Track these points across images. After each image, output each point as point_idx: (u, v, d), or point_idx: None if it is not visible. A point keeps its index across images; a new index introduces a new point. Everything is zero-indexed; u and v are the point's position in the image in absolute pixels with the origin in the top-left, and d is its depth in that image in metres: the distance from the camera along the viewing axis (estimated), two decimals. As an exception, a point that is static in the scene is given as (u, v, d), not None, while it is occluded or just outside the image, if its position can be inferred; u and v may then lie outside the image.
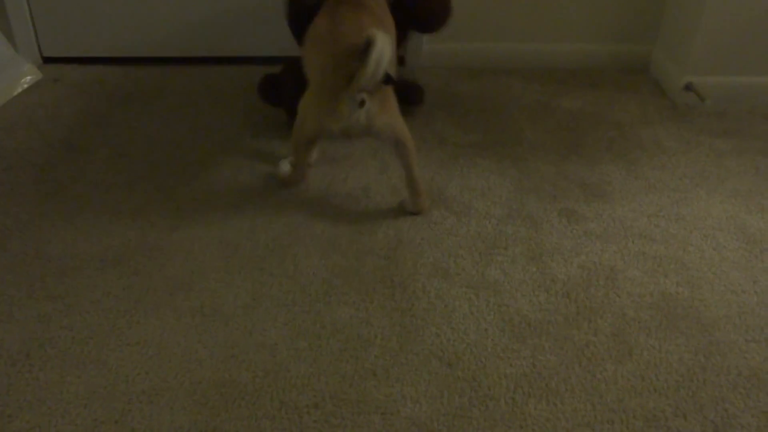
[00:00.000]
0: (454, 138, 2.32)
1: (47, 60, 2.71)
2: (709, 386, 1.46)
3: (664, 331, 1.60)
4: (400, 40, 2.08)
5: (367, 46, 1.56)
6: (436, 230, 1.90)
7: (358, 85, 1.62)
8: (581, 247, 1.86)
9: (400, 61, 2.64)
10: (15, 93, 2.49)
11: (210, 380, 1.45)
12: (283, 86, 2.20)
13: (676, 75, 2.59)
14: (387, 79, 1.65)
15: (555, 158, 2.24)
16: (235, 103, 2.47)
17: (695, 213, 2.00)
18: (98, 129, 2.31)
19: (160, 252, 1.78)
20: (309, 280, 1.71)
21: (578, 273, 1.76)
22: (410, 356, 1.51)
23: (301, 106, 1.84)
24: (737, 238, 1.90)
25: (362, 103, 1.66)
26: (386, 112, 1.75)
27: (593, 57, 2.81)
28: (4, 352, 1.48)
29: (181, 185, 2.04)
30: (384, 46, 1.55)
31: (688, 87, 2.54)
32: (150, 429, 1.34)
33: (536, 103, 2.55)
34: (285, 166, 2.04)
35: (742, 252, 1.85)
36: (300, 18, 2.01)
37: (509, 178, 2.13)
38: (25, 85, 2.54)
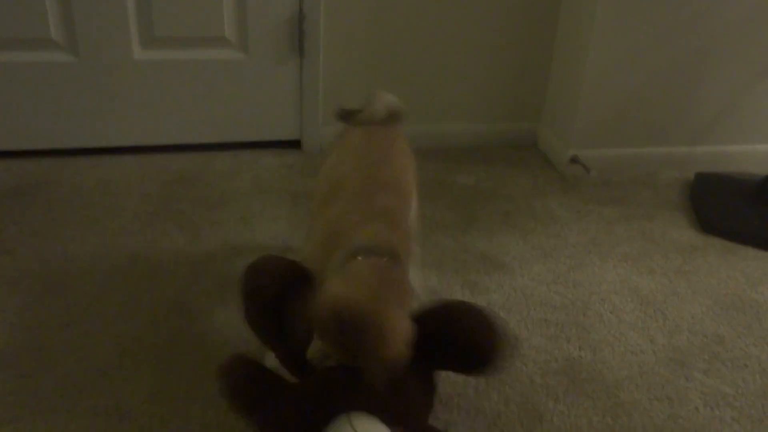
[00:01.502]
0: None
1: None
2: (618, 447, 1.48)
3: (571, 395, 1.62)
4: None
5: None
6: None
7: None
8: (486, 318, 1.88)
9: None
10: None
11: None
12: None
13: (562, 149, 2.73)
14: None
15: (454, 232, 2.29)
16: (130, 194, 2.41)
17: (590, 278, 2.07)
18: (-19, 225, 2.20)
19: (50, 351, 1.68)
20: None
21: (485, 344, 1.78)
22: None
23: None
24: (632, 300, 1.98)
25: None
26: None
27: (484, 135, 2.93)
28: None
29: (73, 281, 1.94)
30: None
31: (574, 159, 2.68)
32: None
33: (432, 181, 2.62)
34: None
35: (637, 313, 1.93)
36: (266, 319, 1.24)
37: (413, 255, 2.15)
38: None
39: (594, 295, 2.00)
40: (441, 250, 2.18)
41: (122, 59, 2.55)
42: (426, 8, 2.63)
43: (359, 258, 1.16)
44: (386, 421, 1.15)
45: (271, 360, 1.45)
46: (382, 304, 1.08)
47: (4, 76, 2.49)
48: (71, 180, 2.48)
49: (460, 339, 1.25)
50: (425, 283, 1.98)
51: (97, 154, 2.67)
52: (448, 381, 1.64)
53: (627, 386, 1.66)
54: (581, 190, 2.62)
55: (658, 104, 2.66)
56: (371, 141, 1.63)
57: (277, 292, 1.22)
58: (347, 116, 1.74)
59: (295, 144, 2.82)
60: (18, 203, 2.31)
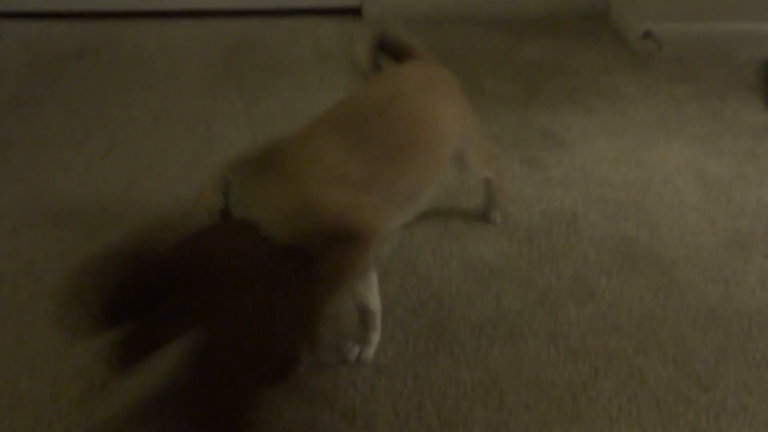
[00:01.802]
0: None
1: (-11, 16, 2.61)
2: (669, 324, 1.48)
3: (624, 272, 1.61)
4: None
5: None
6: (398, 180, 1.88)
7: None
8: (543, 194, 1.86)
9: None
10: (-43, 50, 2.39)
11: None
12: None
13: (635, 22, 2.59)
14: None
15: (516, 107, 2.23)
16: (190, 58, 2.40)
17: (654, 158, 2.01)
18: (46, 85, 2.23)
19: (115, 211, 1.74)
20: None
21: (540, 219, 1.77)
22: (375, 304, 1.51)
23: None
24: (695, 182, 1.92)
25: None
26: None
27: (553, 5, 2.79)
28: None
29: (130, 143, 1.98)
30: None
31: (647, 34, 2.54)
32: None
33: (496, 53, 2.54)
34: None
35: (700, 195, 1.87)
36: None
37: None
38: (-32, 42, 2.44)
39: (657, 175, 1.95)
40: (501, 124, 2.14)
41: None
42: None
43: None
44: None
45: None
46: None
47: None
48: (134, 43, 2.48)
49: None
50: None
51: (159, 17, 2.65)
52: (501, 252, 1.65)
53: (683, 266, 1.64)
54: (652, 67, 2.50)
55: (743, -25, 2.47)
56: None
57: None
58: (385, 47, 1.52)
59: (355, 12, 2.75)
60: (82, 64, 2.34)
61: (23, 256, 1.59)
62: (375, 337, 1.39)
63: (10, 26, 2.56)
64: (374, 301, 1.36)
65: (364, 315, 1.37)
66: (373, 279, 1.33)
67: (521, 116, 2.18)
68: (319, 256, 1.10)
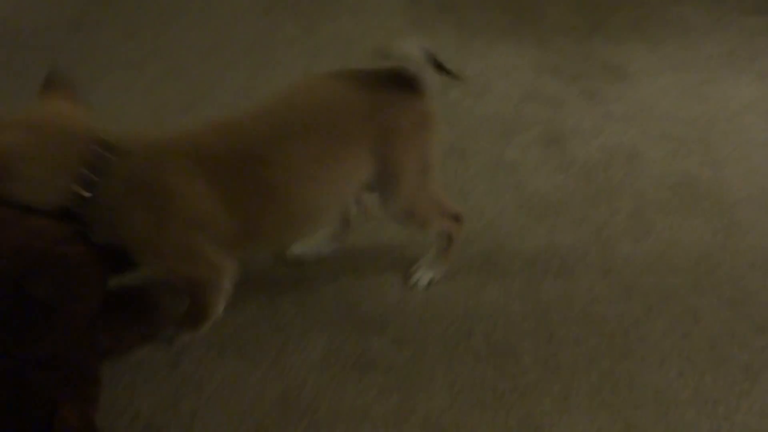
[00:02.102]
0: (472, 17, 2.24)
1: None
2: (727, 265, 1.45)
3: (684, 211, 1.58)
4: None
5: None
6: (454, 111, 1.86)
7: None
8: (602, 128, 1.81)
9: None
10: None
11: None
12: None
13: (709, -50, 2.45)
14: None
15: (578, 37, 2.16)
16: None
17: (721, 94, 1.94)
18: (106, 8, 2.24)
19: (174, 131, 1.76)
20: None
21: (598, 154, 1.73)
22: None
23: None
24: (764, 119, 1.85)
25: None
26: None
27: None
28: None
29: (190, 67, 1.99)
30: None
31: (721, -37, 2.41)
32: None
33: (560, -20, 2.44)
34: None
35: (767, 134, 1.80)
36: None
37: (530, 58, 2.06)
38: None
39: (723, 111, 1.87)
40: (562, 55, 2.08)
41: None
42: None
43: None
44: None
45: None
46: None
47: None
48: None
49: None
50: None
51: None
52: (556, 186, 1.63)
53: (745, 207, 1.59)
54: (724, -2, 2.38)
55: None
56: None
57: None
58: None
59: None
60: (140, -14, 2.34)
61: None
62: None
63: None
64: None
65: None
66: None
67: (584, 47, 2.11)
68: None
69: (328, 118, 1.13)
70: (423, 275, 1.40)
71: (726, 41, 2.15)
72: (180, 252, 1.09)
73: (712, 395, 1.21)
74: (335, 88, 1.16)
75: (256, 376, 1.23)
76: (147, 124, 1.77)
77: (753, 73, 2.02)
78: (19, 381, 1.00)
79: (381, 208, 1.25)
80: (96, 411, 1.07)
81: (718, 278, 1.42)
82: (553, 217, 1.56)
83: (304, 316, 1.33)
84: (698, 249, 1.49)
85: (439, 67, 1.19)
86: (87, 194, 1.00)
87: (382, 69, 1.17)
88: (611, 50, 2.10)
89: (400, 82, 1.16)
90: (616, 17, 2.26)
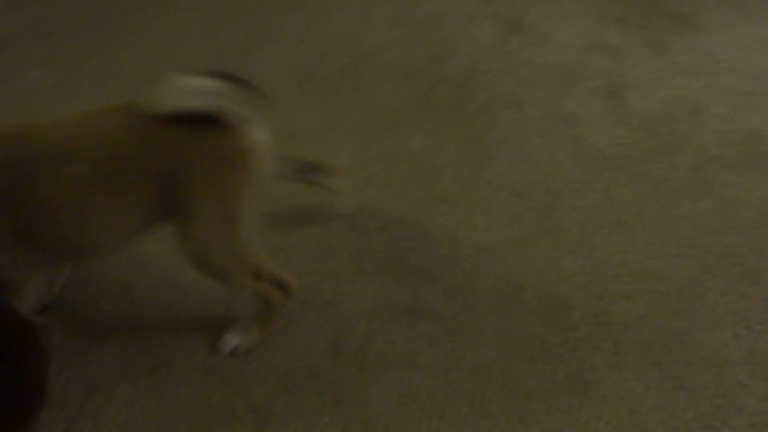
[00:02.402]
0: (537, -39, 2.17)
1: None
2: (790, 226, 1.41)
3: (748, 169, 1.53)
4: None
5: None
6: (512, 60, 1.82)
7: None
8: (666, 80, 1.76)
9: None
10: None
11: (285, 198, 1.48)
12: None
13: None
14: None
15: (645, -15, 2.08)
16: None
17: (796, 47, 1.85)
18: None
19: (238, 74, 1.77)
20: (381, 107, 1.68)
21: (660, 107, 1.68)
22: (481, 185, 1.50)
23: None
24: (840, 75, 1.76)
25: None
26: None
27: None
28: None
29: (247, 12, 1.99)
30: None
31: None
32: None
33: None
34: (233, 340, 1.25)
35: (843, 89, 1.72)
36: None
37: (593, 5, 2.00)
38: None
39: (796, 65, 1.80)
40: (626, 3, 2.01)
41: None
42: None
43: None
44: None
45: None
46: None
47: None
48: None
49: None
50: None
51: None
52: (615, 140, 1.59)
53: (813, 166, 1.54)
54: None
55: None
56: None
57: None
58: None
59: None
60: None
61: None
62: None
63: None
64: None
65: None
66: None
67: (650, -5, 2.04)
68: None
69: (110, 150, 1.06)
70: (229, 339, 1.22)
71: (804, -10, 2.05)
72: None
73: (767, 358, 1.19)
74: (128, 119, 1.08)
75: (309, 320, 1.26)
76: (207, 67, 1.78)
77: (831, 25, 1.92)
78: None
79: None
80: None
81: (779, 239, 1.39)
82: (611, 171, 1.53)
83: (356, 264, 1.35)
84: (760, 208, 1.45)
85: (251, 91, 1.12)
86: None
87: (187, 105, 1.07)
88: (680, -2, 2.02)
89: (204, 117, 1.07)
90: (687, -37, 2.17)
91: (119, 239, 1.14)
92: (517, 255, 1.37)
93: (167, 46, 1.86)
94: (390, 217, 1.44)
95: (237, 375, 1.18)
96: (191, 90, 1.07)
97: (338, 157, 1.56)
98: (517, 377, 1.18)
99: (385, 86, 1.74)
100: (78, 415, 1.12)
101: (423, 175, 1.52)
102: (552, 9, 1.98)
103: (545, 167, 1.54)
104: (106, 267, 1.34)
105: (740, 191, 1.48)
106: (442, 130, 1.63)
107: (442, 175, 1.52)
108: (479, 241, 1.39)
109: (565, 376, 1.18)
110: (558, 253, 1.37)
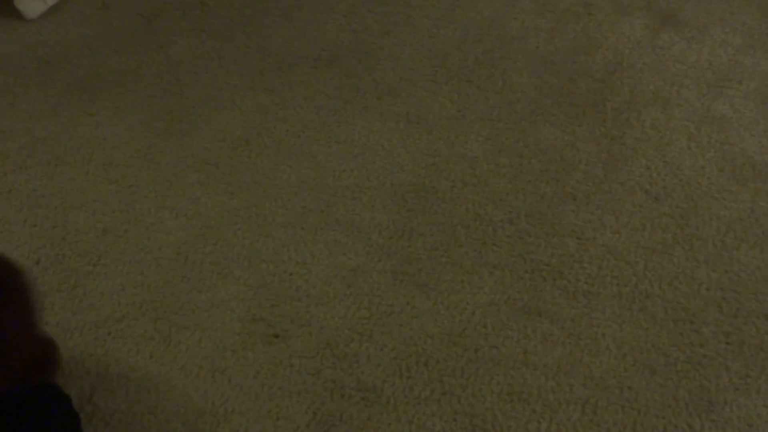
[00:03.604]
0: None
1: None
2: None
3: None
4: None
5: None
6: (662, 56, 1.73)
7: None
8: (833, 87, 1.62)
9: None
10: None
11: (409, 184, 1.48)
12: None
13: None
14: None
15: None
16: None
17: None
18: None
19: (369, 55, 1.79)
20: (516, 97, 1.65)
21: (824, 116, 1.55)
22: (615, 185, 1.44)
23: None
24: None
25: None
26: None
27: None
28: (228, 136, 1.60)
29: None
30: None
31: None
32: (351, 221, 1.41)
33: None
34: None
35: None
36: None
37: (757, 2, 1.86)
38: None
39: None
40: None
41: None
42: None
43: None
44: None
45: None
46: None
47: None
48: None
49: None
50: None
51: None
52: (767, 152, 1.49)
53: None
54: None
55: None
56: None
57: None
58: None
59: None
60: None
61: (284, 94, 1.71)
62: None
63: None
64: None
65: None
66: None
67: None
68: None
69: None
70: None
71: None
72: None
73: None
74: None
75: (426, 305, 1.26)
76: (347, 46, 1.81)
77: None
78: None
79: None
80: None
81: None
82: (760, 181, 1.43)
83: (478, 254, 1.34)
84: None
85: None
86: None
87: None
88: None
89: None
90: None
91: None
92: (647, 261, 1.31)
93: (310, 22, 1.90)
94: (517, 210, 1.41)
95: (349, 353, 1.20)
96: None
97: (466, 146, 1.55)
98: (635, 389, 1.13)
99: (522, 76, 1.70)
100: (199, 372, 1.18)
101: (554, 170, 1.48)
102: (710, 3, 1.86)
103: (686, 171, 1.46)
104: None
105: None
106: (578, 125, 1.58)
107: (574, 172, 1.47)
108: (607, 243, 1.34)
109: (688, 394, 1.12)
110: (692, 263, 1.30)
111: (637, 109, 1.60)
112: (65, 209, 1.45)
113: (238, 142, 1.58)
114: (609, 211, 1.39)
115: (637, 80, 1.67)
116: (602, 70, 1.70)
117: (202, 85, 1.72)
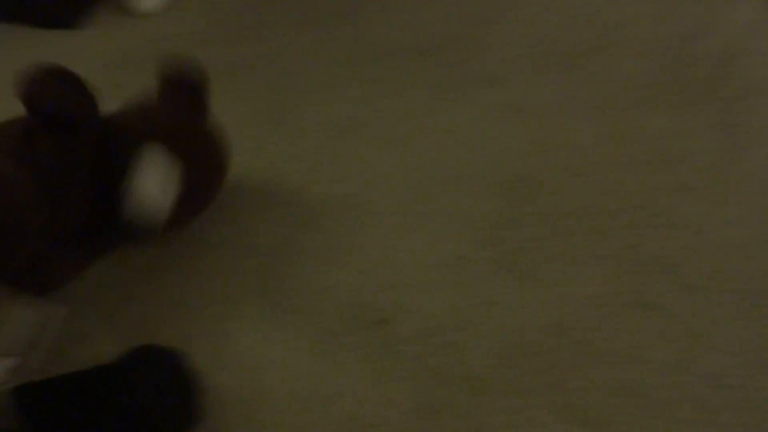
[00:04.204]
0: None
1: None
2: None
3: None
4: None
5: None
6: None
7: None
8: None
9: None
10: None
11: (515, 174, 1.46)
12: None
13: None
14: None
15: None
16: None
17: None
18: None
19: (472, 44, 1.77)
20: (625, 85, 1.60)
21: None
22: (733, 175, 1.38)
23: None
24: None
25: None
26: None
27: None
28: (332, 125, 1.62)
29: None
30: None
31: None
32: (455, 211, 1.41)
33: None
34: None
35: None
36: None
37: None
38: None
39: None
40: None
41: None
42: None
43: None
44: None
45: None
46: None
47: None
48: None
49: None
50: None
51: None
52: None
53: None
54: None
55: None
56: None
57: None
58: None
59: None
60: None
61: (386, 84, 1.71)
62: None
63: None
64: None
65: None
66: None
67: None
68: None
69: None
70: None
71: None
72: None
73: None
74: None
75: (533, 295, 1.24)
76: (450, 35, 1.80)
77: None
78: None
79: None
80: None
81: None
82: None
83: (587, 246, 1.31)
84: None
85: None
86: None
87: None
88: None
89: None
90: None
91: None
92: (767, 254, 1.25)
93: (413, 12, 1.90)
94: (628, 202, 1.37)
95: (456, 342, 1.20)
96: None
97: (574, 135, 1.51)
98: (757, 390, 1.08)
99: (629, 63, 1.65)
100: (307, 354, 1.20)
101: (666, 160, 1.43)
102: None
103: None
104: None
105: None
106: (690, 114, 1.51)
107: (688, 162, 1.42)
108: (726, 237, 1.28)
109: (814, 397, 1.06)
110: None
111: (755, 97, 1.52)
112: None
113: (342, 132, 1.60)
114: (728, 202, 1.33)
115: (754, 67, 1.59)
116: (715, 56, 1.63)
117: (307, 75, 1.75)
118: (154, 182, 1.19)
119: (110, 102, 1.27)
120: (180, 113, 1.27)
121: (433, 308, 1.25)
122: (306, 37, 1.86)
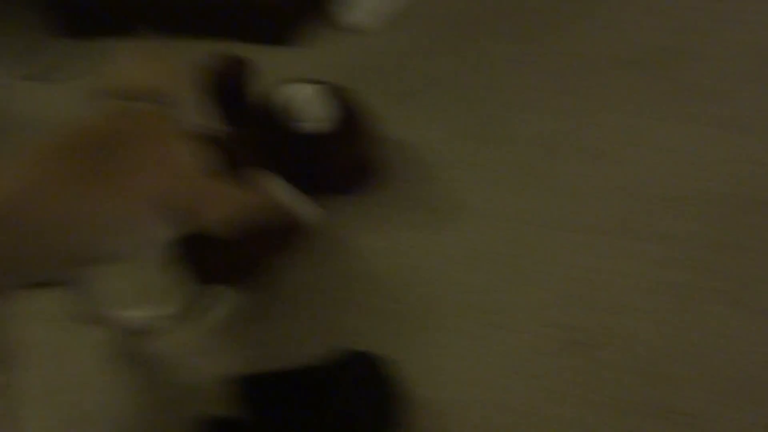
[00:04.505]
0: None
1: None
2: None
3: None
4: None
5: None
6: None
7: None
8: None
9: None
10: None
11: (732, 195, 1.37)
12: None
13: None
14: None
15: None
16: None
17: None
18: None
19: (687, 56, 1.68)
20: None
21: None
22: None
23: None
24: None
25: None
26: None
27: None
28: (537, 141, 1.59)
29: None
30: None
31: None
32: (667, 232, 1.34)
33: None
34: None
35: None
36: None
37: None
38: None
39: None
40: None
41: None
42: None
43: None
44: None
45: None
46: None
47: None
48: None
49: None
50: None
51: None
52: None
53: None
54: None
55: None
56: None
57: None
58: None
59: None
60: None
61: (593, 98, 1.66)
62: None
63: None
64: None
65: None
66: None
67: None
68: None
69: None
70: None
71: None
72: None
73: None
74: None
75: (758, 330, 1.16)
76: (663, 46, 1.72)
77: None
78: None
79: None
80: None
81: None
82: None
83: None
84: None
85: None
86: None
87: None
88: None
89: None
90: None
91: None
92: None
93: (626, 23, 1.83)
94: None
95: (673, 374, 1.14)
96: None
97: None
98: None
99: None
100: (511, 372, 1.20)
101: None
102: None
103: None
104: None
105: None
106: None
107: None
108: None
109: None
110: None
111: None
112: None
113: (547, 147, 1.57)
114: None
115: None
116: None
117: (512, 88, 1.74)
118: None
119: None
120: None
121: (648, 337, 1.20)
122: (510, 50, 1.84)
